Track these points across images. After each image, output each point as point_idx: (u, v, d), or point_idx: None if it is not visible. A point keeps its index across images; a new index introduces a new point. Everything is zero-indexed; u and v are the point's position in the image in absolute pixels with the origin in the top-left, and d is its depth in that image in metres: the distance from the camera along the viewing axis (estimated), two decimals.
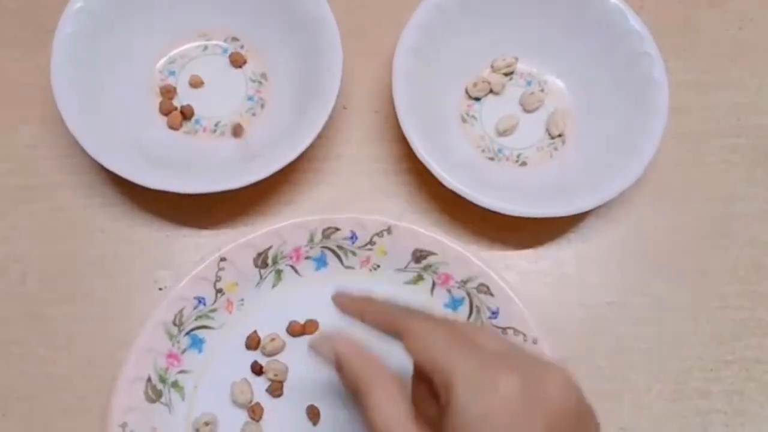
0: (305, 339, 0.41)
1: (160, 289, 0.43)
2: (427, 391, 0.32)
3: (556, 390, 0.29)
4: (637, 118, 0.43)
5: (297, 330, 0.41)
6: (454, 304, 0.42)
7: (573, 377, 0.30)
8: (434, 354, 0.30)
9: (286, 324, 0.42)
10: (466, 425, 0.28)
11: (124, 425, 0.38)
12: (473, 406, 0.28)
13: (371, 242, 0.42)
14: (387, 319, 0.33)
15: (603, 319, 0.44)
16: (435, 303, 0.42)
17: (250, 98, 0.46)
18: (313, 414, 0.40)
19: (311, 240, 0.42)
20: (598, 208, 0.44)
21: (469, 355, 0.30)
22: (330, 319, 0.41)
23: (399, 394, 0.31)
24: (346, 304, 0.35)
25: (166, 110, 0.45)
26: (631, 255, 0.45)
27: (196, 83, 0.46)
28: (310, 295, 0.42)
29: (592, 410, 0.32)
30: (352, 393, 0.32)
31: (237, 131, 0.44)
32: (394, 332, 0.32)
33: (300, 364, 0.41)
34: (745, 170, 0.47)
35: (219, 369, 0.41)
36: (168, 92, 0.45)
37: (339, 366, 0.33)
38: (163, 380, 0.40)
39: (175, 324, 0.40)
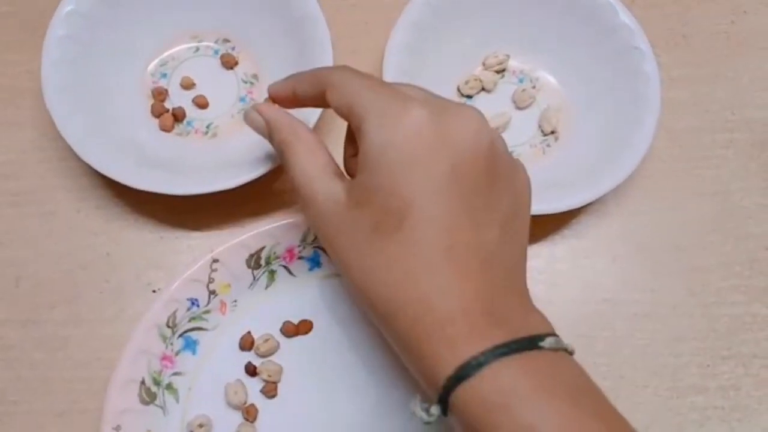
0: (300, 340, 0.41)
1: (154, 291, 0.43)
2: (353, 146, 0.33)
3: (466, 131, 0.29)
4: (630, 113, 0.43)
5: (291, 330, 0.41)
6: None
7: (485, 121, 0.30)
8: (349, 98, 0.31)
9: (280, 325, 0.41)
10: (370, 155, 0.29)
11: (118, 428, 0.38)
12: (378, 135, 0.29)
13: None
14: (314, 82, 0.34)
15: (598, 315, 0.44)
16: None
17: (242, 99, 0.46)
18: None
19: (304, 240, 0.42)
20: (592, 204, 0.43)
21: (382, 94, 0.30)
22: (325, 319, 0.42)
23: (319, 149, 0.33)
24: (278, 89, 0.36)
25: (157, 112, 0.45)
26: (625, 251, 0.45)
27: (187, 85, 0.46)
28: (304, 295, 0.42)
29: (519, 163, 0.33)
30: (280, 158, 0.34)
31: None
32: (321, 93, 0.33)
33: (294, 364, 0.41)
34: (739, 164, 0.47)
35: (213, 370, 0.41)
36: (160, 94, 0.45)
37: (269, 132, 0.35)
38: (157, 382, 0.40)
39: (168, 326, 0.40)
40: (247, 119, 0.36)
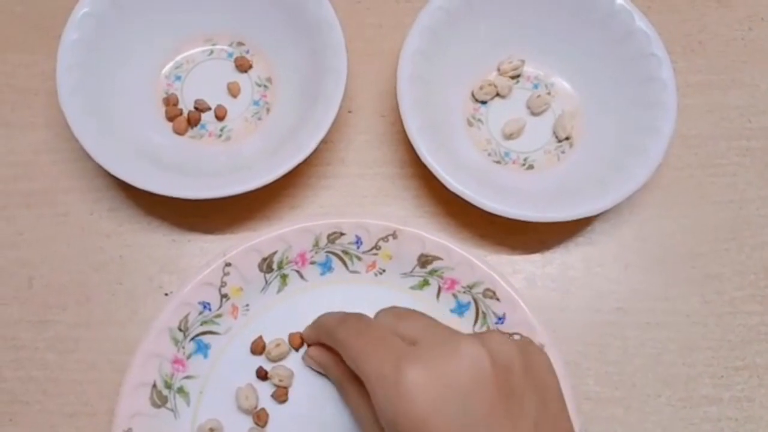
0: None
1: (166, 294, 0.43)
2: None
3: (465, 371, 0.30)
4: (646, 120, 0.43)
5: (297, 342, 0.41)
6: (460, 309, 0.42)
7: (484, 350, 0.30)
8: (354, 364, 0.33)
9: (292, 330, 0.41)
10: (386, 424, 0.30)
11: (129, 430, 0.38)
12: (387, 409, 0.30)
13: (376, 247, 0.42)
14: (329, 337, 0.37)
15: (611, 324, 0.43)
16: (441, 308, 0.42)
17: (255, 103, 0.46)
18: None
19: (316, 245, 0.42)
20: (606, 211, 0.43)
21: (379, 357, 0.31)
22: None
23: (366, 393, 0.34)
24: (307, 335, 0.41)
25: (171, 116, 0.45)
26: (639, 259, 0.45)
27: (203, 108, 0.45)
28: (316, 300, 0.42)
29: (530, 349, 0.33)
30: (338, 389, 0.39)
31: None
32: (337, 350, 0.36)
33: (305, 369, 0.41)
34: (755, 173, 0.46)
35: (224, 374, 0.41)
36: (173, 99, 0.45)
37: (327, 373, 0.40)
38: (168, 386, 0.40)
39: (180, 329, 0.40)
40: (307, 361, 0.41)
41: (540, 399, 0.32)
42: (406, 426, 0.29)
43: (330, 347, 0.38)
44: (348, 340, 0.34)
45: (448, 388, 0.30)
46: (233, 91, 0.46)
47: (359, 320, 0.35)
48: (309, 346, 0.41)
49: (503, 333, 0.35)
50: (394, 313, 0.36)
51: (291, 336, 0.41)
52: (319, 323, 0.39)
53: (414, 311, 0.36)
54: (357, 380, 0.35)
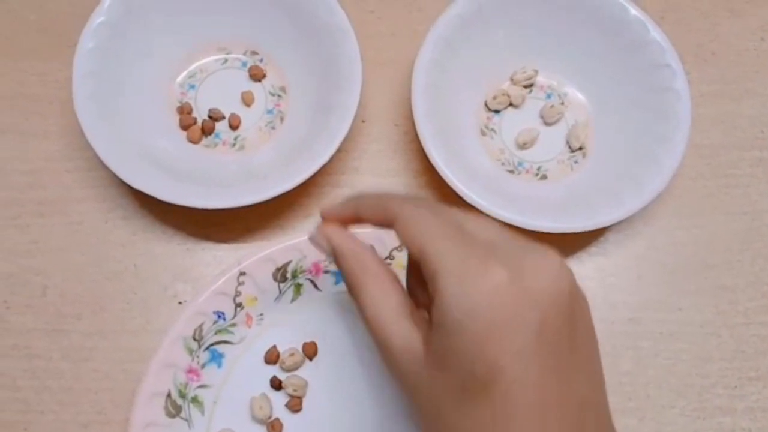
0: (325, 354, 0.41)
1: (180, 302, 0.43)
2: (421, 278, 0.30)
3: (548, 281, 0.27)
4: (659, 131, 0.43)
5: (311, 351, 0.41)
6: None
7: (563, 262, 0.28)
8: (420, 241, 0.29)
9: (306, 339, 0.41)
10: (450, 315, 0.27)
11: None
12: (457, 296, 0.27)
13: (390, 256, 0.42)
14: (379, 210, 0.31)
15: (624, 334, 0.43)
16: None
17: (269, 111, 0.46)
18: None
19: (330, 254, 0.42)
20: (619, 222, 0.43)
21: (456, 244, 0.28)
22: (351, 333, 0.41)
23: (392, 287, 0.30)
24: (337, 210, 0.33)
25: (185, 124, 0.45)
26: (652, 270, 0.45)
27: (217, 117, 0.45)
28: (330, 309, 0.42)
29: (581, 290, 0.30)
30: (348, 288, 0.32)
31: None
32: (387, 221, 0.31)
33: (319, 379, 0.41)
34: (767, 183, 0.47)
35: (238, 384, 0.41)
36: (187, 108, 0.45)
37: (335, 259, 0.32)
38: (182, 395, 0.40)
39: (194, 339, 0.40)
40: (312, 240, 0.33)
41: (591, 341, 0.30)
42: (481, 325, 0.27)
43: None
44: (417, 216, 0.29)
45: (531, 297, 0.27)
46: (247, 100, 0.46)
47: (430, 202, 0.31)
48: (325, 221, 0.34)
49: None
50: (459, 211, 0.31)
51: (305, 345, 0.41)
52: (367, 193, 0.33)
53: (479, 215, 0.32)
54: (382, 273, 0.31)
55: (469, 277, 0.27)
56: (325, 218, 0.33)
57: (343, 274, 0.32)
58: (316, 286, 0.42)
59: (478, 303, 0.27)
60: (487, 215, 0.39)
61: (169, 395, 0.39)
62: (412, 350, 0.29)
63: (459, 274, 0.27)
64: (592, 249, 0.45)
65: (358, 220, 0.33)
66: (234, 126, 0.45)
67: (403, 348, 0.29)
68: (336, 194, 0.45)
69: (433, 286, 0.28)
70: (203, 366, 0.40)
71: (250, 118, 0.46)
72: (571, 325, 0.28)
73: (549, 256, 0.28)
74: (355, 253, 0.31)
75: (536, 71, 0.47)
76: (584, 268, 0.45)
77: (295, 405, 0.40)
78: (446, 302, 0.27)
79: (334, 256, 0.32)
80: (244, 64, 0.47)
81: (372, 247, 0.32)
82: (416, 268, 0.32)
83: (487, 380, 0.27)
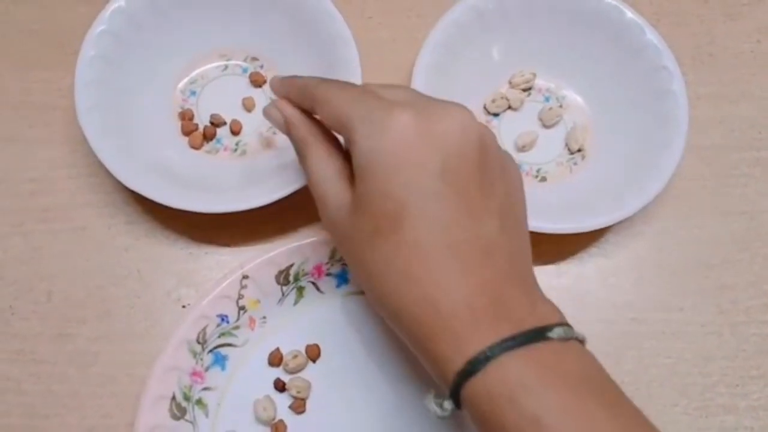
0: (328, 356, 0.42)
1: (184, 306, 0.43)
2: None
3: (453, 128, 0.30)
4: (657, 133, 0.43)
5: (315, 353, 0.42)
6: None
7: (473, 117, 0.30)
8: (336, 110, 0.32)
9: (309, 341, 0.42)
10: (363, 162, 0.30)
11: None
12: (366, 143, 0.30)
13: None
14: (301, 95, 0.35)
15: (626, 334, 0.43)
16: None
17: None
18: None
19: (332, 257, 0.42)
20: (619, 222, 0.43)
21: (367, 102, 0.31)
22: (353, 335, 0.42)
23: (334, 152, 0.34)
24: (276, 85, 0.37)
25: (187, 130, 0.45)
26: (653, 270, 0.45)
27: (218, 122, 0.46)
28: (332, 311, 0.42)
29: (509, 155, 0.33)
30: (298, 155, 0.36)
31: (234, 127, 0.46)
32: (310, 106, 0.34)
33: (323, 381, 0.41)
34: (766, 183, 0.47)
35: (242, 386, 0.41)
36: (188, 114, 0.46)
37: (287, 129, 0.36)
38: (187, 398, 0.40)
39: (198, 342, 0.40)
40: (267, 114, 0.37)
41: (509, 193, 0.32)
42: (384, 165, 0.29)
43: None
44: (330, 92, 0.33)
45: (434, 140, 0.29)
46: (248, 105, 0.46)
47: (344, 82, 0.35)
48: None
49: None
50: (376, 84, 0.34)
51: (308, 348, 0.41)
52: (293, 79, 0.37)
53: (402, 85, 0.35)
54: (328, 139, 0.35)
55: (375, 125, 0.30)
56: (275, 91, 0.37)
57: (294, 142, 0.36)
58: (318, 288, 0.42)
59: (385, 144, 0.29)
60: None
61: (173, 398, 0.39)
62: (343, 203, 0.32)
63: (367, 124, 0.30)
64: (593, 250, 0.45)
65: (286, 98, 0.36)
66: (235, 131, 0.46)
67: (336, 202, 0.33)
68: None
69: (351, 147, 0.31)
70: (207, 369, 0.40)
71: (251, 123, 0.46)
72: (481, 172, 0.30)
73: (457, 108, 0.31)
74: (304, 122, 0.35)
75: (534, 74, 0.47)
76: (585, 268, 0.45)
77: (298, 407, 0.40)
78: (358, 150, 0.30)
79: (286, 125, 0.36)
80: (245, 70, 0.47)
81: (318, 121, 0.36)
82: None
83: (396, 217, 0.29)
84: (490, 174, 0.31)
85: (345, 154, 0.34)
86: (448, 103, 0.31)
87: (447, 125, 0.30)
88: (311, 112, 0.35)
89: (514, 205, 0.32)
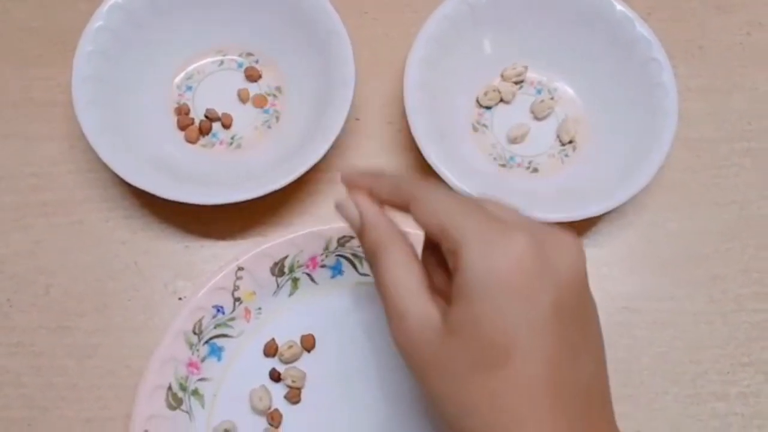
0: (323, 346, 0.42)
1: (180, 299, 0.44)
2: (436, 261, 0.31)
3: (568, 260, 0.28)
4: (647, 124, 0.44)
5: (309, 344, 0.42)
6: None
7: (581, 244, 0.29)
8: (442, 218, 0.29)
9: (303, 332, 0.42)
10: (473, 282, 0.27)
11: None
12: (480, 263, 0.27)
13: None
14: (395, 190, 0.32)
15: (618, 323, 0.44)
16: None
17: (265, 111, 0.47)
18: None
19: (327, 248, 0.42)
20: (611, 213, 0.44)
21: (478, 218, 0.28)
22: (348, 325, 0.42)
23: (414, 259, 0.30)
24: (355, 179, 0.33)
25: (183, 125, 0.46)
26: (645, 260, 0.45)
27: (213, 117, 0.47)
28: (327, 302, 0.43)
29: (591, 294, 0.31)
30: (369, 259, 0.32)
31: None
32: (403, 202, 0.31)
33: (318, 371, 0.42)
34: (756, 174, 0.47)
35: (238, 377, 0.41)
36: (185, 109, 0.46)
37: (361, 230, 0.32)
38: (183, 388, 0.40)
39: (194, 333, 0.41)
40: (340, 209, 0.33)
41: (597, 328, 0.30)
42: (499, 291, 0.27)
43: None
44: (435, 195, 0.30)
45: (551, 271, 0.27)
46: (243, 97, 0.47)
47: (441, 185, 0.32)
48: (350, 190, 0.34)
49: None
50: (484, 197, 0.32)
51: (303, 338, 0.42)
52: (380, 173, 0.33)
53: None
54: (408, 245, 0.31)
55: (491, 245, 0.27)
56: (349, 186, 0.33)
57: (366, 244, 0.32)
58: (313, 279, 0.43)
59: (501, 269, 0.27)
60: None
61: (170, 388, 0.40)
62: (430, 320, 0.29)
63: (482, 242, 0.27)
64: (585, 240, 0.46)
65: (369, 195, 0.33)
66: (226, 125, 0.46)
67: (422, 317, 0.29)
68: (332, 191, 0.46)
69: (454, 259, 0.28)
70: (203, 359, 0.41)
71: (246, 116, 0.47)
72: (583, 307, 0.29)
73: (570, 236, 0.29)
74: (384, 222, 0.32)
75: (526, 67, 0.48)
76: None
77: (294, 396, 0.41)
78: (469, 270, 0.27)
79: (362, 224, 0.32)
80: (240, 65, 0.48)
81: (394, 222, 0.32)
82: (433, 250, 0.32)
83: (505, 351, 0.27)
84: (589, 311, 0.30)
85: (422, 266, 0.31)
86: (559, 231, 0.29)
87: (562, 257, 0.28)
88: (402, 209, 0.31)
89: (600, 345, 0.31)
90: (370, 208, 0.32)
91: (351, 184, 0.33)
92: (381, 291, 0.30)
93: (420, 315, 0.29)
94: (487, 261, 0.27)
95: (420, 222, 0.30)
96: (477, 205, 0.29)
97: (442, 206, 0.29)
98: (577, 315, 0.28)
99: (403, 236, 0.31)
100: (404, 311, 0.29)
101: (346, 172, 0.33)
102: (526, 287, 0.27)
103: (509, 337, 0.27)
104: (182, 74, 0.47)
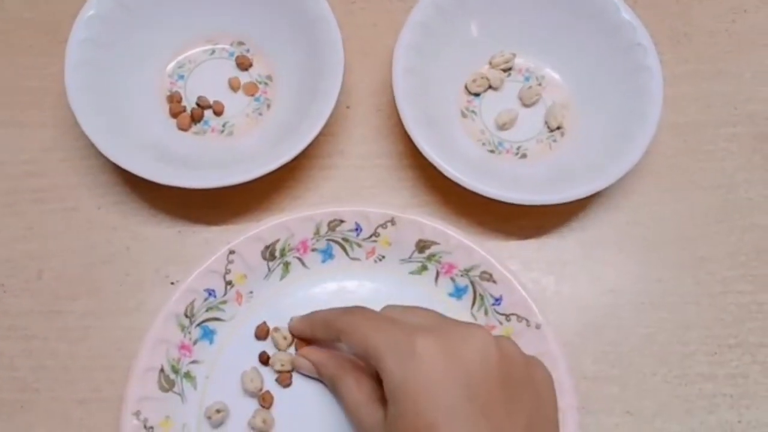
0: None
1: (172, 283, 0.44)
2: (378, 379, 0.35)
3: (473, 350, 0.32)
4: (633, 107, 0.44)
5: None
6: (458, 292, 0.43)
7: (491, 336, 0.33)
8: (362, 342, 0.34)
9: (295, 315, 0.42)
10: (393, 387, 0.32)
11: (138, 414, 0.39)
12: (397, 370, 0.32)
13: (375, 234, 0.43)
14: (326, 330, 0.38)
15: (606, 305, 0.44)
16: (439, 292, 0.43)
17: (256, 99, 0.47)
18: None
19: (317, 232, 0.43)
20: (599, 197, 0.44)
21: (390, 332, 0.33)
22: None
23: (364, 380, 0.37)
24: (297, 326, 0.41)
25: (175, 112, 0.46)
26: (632, 242, 0.46)
27: (205, 104, 0.47)
28: (317, 286, 0.43)
29: (536, 362, 0.35)
30: (330, 388, 0.40)
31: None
32: (336, 336, 0.37)
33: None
34: (743, 157, 0.48)
35: (229, 359, 0.42)
36: (177, 96, 0.47)
37: (317, 372, 0.40)
38: (175, 370, 0.41)
39: (186, 316, 0.41)
40: (297, 366, 0.41)
41: (536, 403, 0.33)
42: (413, 390, 0.31)
43: (318, 345, 0.41)
44: (354, 323, 0.35)
45: (457, 363, 0.31)
46: (234, 85, 0.47)
47: (364, 309, 0.37)
48: (298, 342, 0.42)
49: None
50: (400, 306, 0.38)
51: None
52: (315, 315, 0.40)
53: (420, 306, 0.38)
54: (355, 369, 0.38)
55: (402, 354, 0.32)
56: (295, 335, 0.42)
57: (325, 379, 0.40)
58: (303, 264, 0.43)
59: (412, 370, 0.31)
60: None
61: (162, 370, 0.40)
62: (378, 422, 0.35)
63: (394, 353, 0.32)
64: (574, 224, 0.46)
65: (317, 341, 0.41)
66: (218, 112, 0.47)
67: (372, 422, 0.35)
68: (322, 176, 0.47)
69: (379, 371, 0.33)
70: (195, 342, 0.41)
71: (237, 104, 0.47)
72: (506, 389, 0.32)
73: (476, 326, 0.34)
74: (331, 360, 0.40)
75: (514, 54, 0.48)
76: (566, 242, 0.46)
77: (284, 379, 0.41)
78: (388, 378, 0.32)
79: (316, 368, 0.40)
80: (231, 54, 0.48)
81: (348, 356, 0.40)
82: (373, 370, 0.37)
83: None
84: (516, 388, 0.33)
85: (373, 376, 0.37)
86: (467, 324, 0.34)
87: (467, 349, 0.32)
88: (337, 340, 0.37)
89: (541, 412, 0.34)
90: (315, 354, 0.40)
91: (296, 331, 0.41)
92: (343, 406, 0.39)
93: (371, 420, 0.36)
94: (401, 368, 0.32)
95: (351, 349, 0.38)
96: (389, 319, 0.35)
97: (360, 331, 0.35)
98: (497, 398, 0.32)
99: (351, 362, 0.39)
100: (360, 419, 0.36)
101: (291, 324, 0.42)
102: (437, 381, 0.31)
103: (428, 425, 0.31)
104: (174, 63, 0.48)
